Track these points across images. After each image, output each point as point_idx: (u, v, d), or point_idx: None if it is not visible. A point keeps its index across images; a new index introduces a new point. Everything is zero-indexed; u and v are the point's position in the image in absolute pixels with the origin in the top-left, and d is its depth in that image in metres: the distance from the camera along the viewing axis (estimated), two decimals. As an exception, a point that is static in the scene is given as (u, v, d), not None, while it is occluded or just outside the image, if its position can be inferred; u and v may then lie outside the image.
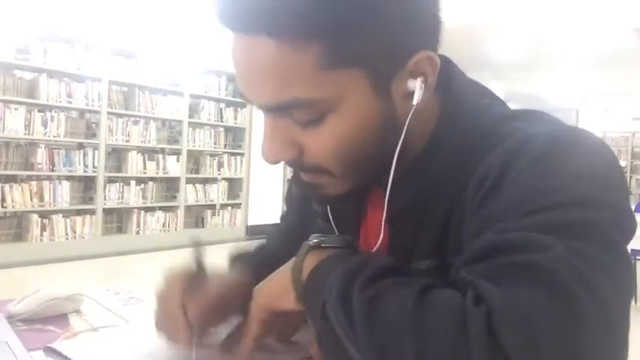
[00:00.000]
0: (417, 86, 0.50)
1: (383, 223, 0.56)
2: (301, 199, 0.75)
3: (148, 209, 5.49)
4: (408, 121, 0.51)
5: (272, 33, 0.45)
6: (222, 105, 6.10)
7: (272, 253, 0.73)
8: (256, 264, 0.69)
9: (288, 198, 0.81)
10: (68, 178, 4.86)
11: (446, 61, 0.57)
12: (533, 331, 0.36)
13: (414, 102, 0.50)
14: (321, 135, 0.49)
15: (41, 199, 4.63)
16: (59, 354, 0.61)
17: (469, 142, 0.54)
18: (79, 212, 4.96)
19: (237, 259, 0.73)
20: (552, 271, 0.38)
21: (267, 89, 0.48)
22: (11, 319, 0.73)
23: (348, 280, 0.46)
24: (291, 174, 0.80)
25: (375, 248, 0.57)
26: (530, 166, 0.46)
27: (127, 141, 5.23)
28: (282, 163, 0.54)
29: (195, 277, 0.61)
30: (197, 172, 5.98)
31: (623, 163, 10.10)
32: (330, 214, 0.64)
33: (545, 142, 0.48)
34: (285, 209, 0.84)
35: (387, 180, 0.54)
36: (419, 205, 0.56)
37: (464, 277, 0.43)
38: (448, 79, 0.57)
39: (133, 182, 5.32)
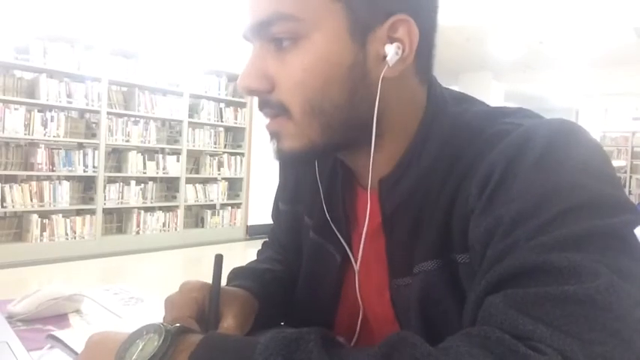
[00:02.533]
0: (391, 50, 0.52)
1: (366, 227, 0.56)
2: (291, 215, 0.75)
3: (148, 209, 5.49)
4: (380, 81, 0.52)
5: None
6: (222, 105, 6.10)
7: (274, 277, 0.72)
8: (255, 289, 0.68)
9: (276, 216, 0.81)
10: (68, 178, 4.85)
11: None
12: None
13: (388, 63, 0.52)
14: (291, 64, 0.52)
15: (41, 199, 4.63)
16: (62, 342, 0.61)
17: (457, 138, 0.54)
18: (79, 212, 4.95)
19: (235, 279, 0.71)
20: (609, 305, 0.38)
21: (260, 4, 0.52)
22: (11, 319, 0.73)
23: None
24: (276, 192, 0.80)
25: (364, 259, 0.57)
26: (539, 162, 0.46)
27: (127, 141, 5.23)
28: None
29: (211, 290, 0.60)
30: (197, 172, 5.98)
31: (622, 162, 10.10)
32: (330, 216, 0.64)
33: (548, 136, 0.48)
34: (273, 225, 0.83)
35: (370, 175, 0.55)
36: (412, 206, 0.55)
37: (504, 311, 0.40)
38: (431, 82, 0.60)
39: (133, 182, 5.32)
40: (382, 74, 0.52)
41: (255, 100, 0.57)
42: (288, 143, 0.55)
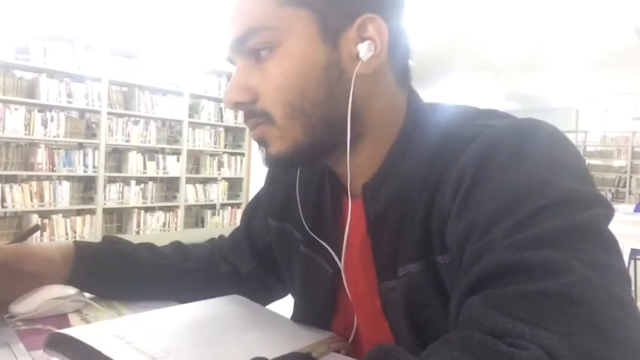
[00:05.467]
0: (363, 48, 0.55)
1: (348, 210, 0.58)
2: (278, 230, 0.75)
3: (148, 209, 5.49)
4: (354, 76, 0.55)
5: None
6: (222, 105, 6.08)
7: (120, 250, 0.80)
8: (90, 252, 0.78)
9: (249, 221, 0.84)
10: (68, 178, 4.85)
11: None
12: None
13: (362, 59, 0.55)
14: (269, 71, 0.55)
15: (41, 199, 4.63)
16: (65, 342, 0.61)
17: (434, 142, 0.56)
18: (79, 212, 4.96)
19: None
20: (584, 299, 0.38)
21: (237, 23, 0.56)
22: (11, 319, 0.73)
23: None
24: (253, 201, 0.84)
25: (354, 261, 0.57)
26: (508, 162, 0.47)
27: (127, 141, 5.23)
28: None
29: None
30: (197, 172, 5.98)
31: (622, 162, 10.09)
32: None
33: (515, 136, 0.49)
34: (241, 230, 0.86)
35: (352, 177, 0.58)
36: (395, 210, 0.56)
37: (484, 311, 0.40)
38: (411, 91, 0.62)
39: (133, 182, 5.32)
40: (356, 70, 0.55)
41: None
42: (275, 147, 0.57)
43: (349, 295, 0.63)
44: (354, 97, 0.55)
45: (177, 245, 0.86)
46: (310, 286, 0.69)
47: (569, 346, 0.36)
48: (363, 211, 0.59)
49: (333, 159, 0.61)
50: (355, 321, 0.65)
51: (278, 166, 0.60)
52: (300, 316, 0.72)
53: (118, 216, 5.35)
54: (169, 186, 5.80)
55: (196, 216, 6.10)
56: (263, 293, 0.83)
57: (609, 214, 0.46)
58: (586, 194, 0.46)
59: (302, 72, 0.54)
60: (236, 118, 6.20)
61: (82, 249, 0.78)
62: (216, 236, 0.92)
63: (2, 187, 4.38)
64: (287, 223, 0.73)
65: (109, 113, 5.02)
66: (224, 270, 0.84)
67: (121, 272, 0.79)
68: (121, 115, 5.21)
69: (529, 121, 0.51)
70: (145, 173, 5.41)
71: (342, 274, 0.63)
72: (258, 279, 0.82)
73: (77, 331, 0.55)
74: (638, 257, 3.32)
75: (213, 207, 6.15)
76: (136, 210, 5.37)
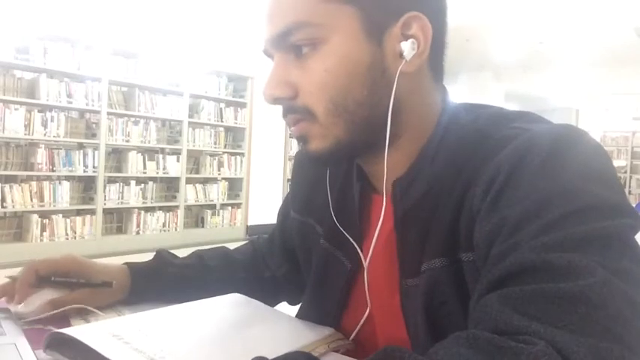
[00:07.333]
0: (407, 46, 0.54)
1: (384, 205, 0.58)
2: (300, 224, 0.75)
3: (148, 209, 5.49)
4: (397, 75, 0.54)
5: None
6: (222, 105, 6.10)
7: (172, 273, 0.80)
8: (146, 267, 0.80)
9: (281, 221, 0.84)
10: (68, 178, 4.85)
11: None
12: None
13: (405, 58, 0.55)
14: (312, 68, 0.54)
15: (41, 199, 4.63)
16: (67, 342, 0.61)
17: (467, 142, 0.56)
18: (79, 212, 4.95)
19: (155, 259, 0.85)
20: (602, 303, 0.38)
21: (277, 17, 0.55)
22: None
23: None
24: (286, 197, 0.83)
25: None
26: (543, 166, 0.47)
27: (127, 141, 5.23)
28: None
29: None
30: (197, 172, 5.98)
31: (623, 162, 10.10)
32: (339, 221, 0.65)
33: (553, 141, 0.49)
34: (275, 226, 0.86)
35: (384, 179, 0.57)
36: (424, 207, 0.56)
37: (499, 309, 0.40)
38: (445, 91, 0.62)
39: (133, 182, 5.32)
40: (399, 69, 0.54)
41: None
42: (315, 144, 0.57)
43: (367, 291, 0.63)
44: (394, 96, 0.55)
45: (224, 256, 0.85)
46: (324, 281, 0.69)
47: (580, 343, 0.36)
48: (391, 208, 0.59)
49: (366, 157, 0.61)
50: (363, 319, 0.64)
51: (317, 163, 0.60)
52: (309, 312, 0.72)
53: (118, 216, 5.35)
54: (169, 186, 5.80)
55: (196, 216, 6.09)
56: (301, 295, 0.81)
57: (637, 225, 0.46)
58: (615, 203, 0.46)
59: (346, 70, 0.54)
60: (236, 119, 6.20)
61: (135, 271, 0.80)
62: (216, 236, 0.93)
63: (2, 187, 4.38)
64: (309, 217, 0.73)
65: (109, 113, 5.02)
66: (268, 275, 0.84)
67: (173, 293, 0.78)
68: (121, 115, 5.21)
69: (567, 127, 0.51)
70: (144, 173, 5.41)
71: (365, 270, 0.63)
72: (292, 281, 0.82)
73: (76, 330, 0.55)
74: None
75: (213, 207, 6.15)
76: (136, 210, 5.37)
